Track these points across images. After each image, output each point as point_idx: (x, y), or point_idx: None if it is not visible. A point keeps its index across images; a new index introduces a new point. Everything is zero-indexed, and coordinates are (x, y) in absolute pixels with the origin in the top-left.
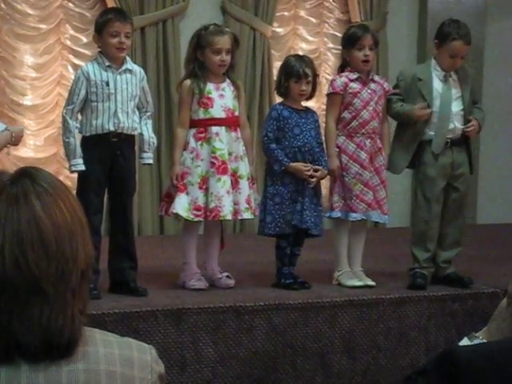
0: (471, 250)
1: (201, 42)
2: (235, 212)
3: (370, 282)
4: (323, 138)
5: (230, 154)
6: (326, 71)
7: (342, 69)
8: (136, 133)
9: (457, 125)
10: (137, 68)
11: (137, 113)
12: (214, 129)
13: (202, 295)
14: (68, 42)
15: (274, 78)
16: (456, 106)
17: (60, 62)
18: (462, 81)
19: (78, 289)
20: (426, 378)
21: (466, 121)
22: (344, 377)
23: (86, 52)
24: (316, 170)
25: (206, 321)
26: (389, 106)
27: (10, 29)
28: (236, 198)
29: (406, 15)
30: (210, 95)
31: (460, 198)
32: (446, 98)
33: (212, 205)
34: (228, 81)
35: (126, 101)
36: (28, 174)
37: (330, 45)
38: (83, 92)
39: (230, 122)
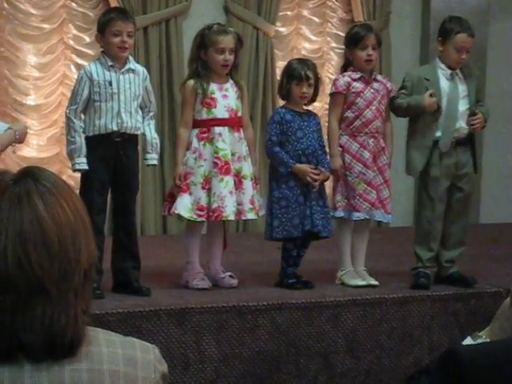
0: (474, 249)
1: (204, 41)
2: (239, 212)
3: (374, 282)
4: (325, 138)
5: (233, 154)
6: (329, 71)
7: (344, 68)
8: (139, 132)
9: (462, 124)
10: (140, 68)
11: (140, 112)
12: (217, 129)
13: (205, 295)
14: (71, 42)
15: (277, 77)
16: (462, 105)
17: (63, 61)
18: (467, 79)
19: (80, 288)
20: (429, 377)
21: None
22: (347, 376)
23: (89, 52)
24: (319, 173)
25: (209, 320)
26: (396, 102)
27: (13, 28)
28: (240, 198)
29: (409, 15)
30: (213, 95)
31: (464, 198)
32: (452, 97)
33: (214, 205)
34: (231, 81)
35: (129, 100)
36: (31, 174)
37: (333, 44)
38: (86, 92)
39: (233, 123)
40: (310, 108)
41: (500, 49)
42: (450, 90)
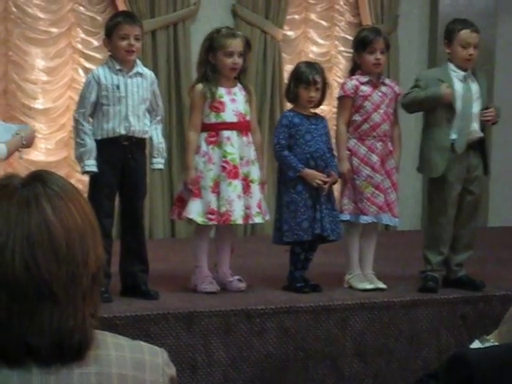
0: (483, 252)
1: (213, 44)
2: (246, 216)
3: (381, 285)
4: (333, 141)
5: (241, 158)
6: (337, 74)
7: (352, 72)
8: (147, 136)
9: (476, 126)
10: (147, 71)
11: (147, 116)
12: (226, 133)
13: (214, 298)
14: (79, 46)
15: (285, 81)
16: (475, 107)
17: (71, 65)
18: (479, 81)
19: (88, 292)
20: (438, 381)
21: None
22: (355, 380)
23: (97, 56)
24: (328, 176)
25: (218, 324)
26: (410, 95)
27: (21, 32)
28: (247, 202)
29: (417, 18)
30: (221, 99)
31: (474, 201)
32: (467, 98)
33: (223, 209)
34: (239, 85)
35: (137, 104)
36: (39, 178)
37: (341, 48)
38: (94, 96)
39: (242, 127)
40: (317, 111)
41: (508, 51)
42: (463, 91)
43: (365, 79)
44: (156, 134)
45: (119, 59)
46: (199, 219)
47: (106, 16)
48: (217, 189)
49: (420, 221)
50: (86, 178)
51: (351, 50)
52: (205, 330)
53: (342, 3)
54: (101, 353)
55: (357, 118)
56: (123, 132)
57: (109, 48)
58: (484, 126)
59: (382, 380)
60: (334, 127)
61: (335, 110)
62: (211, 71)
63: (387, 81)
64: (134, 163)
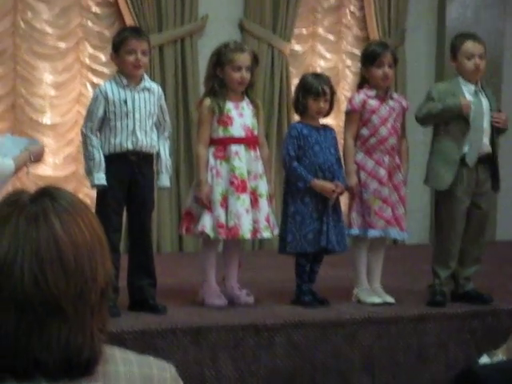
0: (490, 266)
1: (221, 58)
2: (254, 231)
3: (390, 299)
4: (341, 153)
5: (249, 172)
6: (345, 88)
7: (360, 86)
8: (154, 151)
9: (486, 140)
10: (155, 86)
11: (155, 131)
12: (234, 147)
13: (221, 313)
14: (87, 61)
15: (293, 95)
16: (486, 121)
17: (79, 80)
18: (489, 97)
19: (97, 307)
20: None
21: (492, 141)
22: None
23: (105, 70)
24: (336, 186)
25: (226, 338)
26: (425, 108)
27: (30, 47)
28: (255, 216)
29: (424, 32)
30: (229, 114)
31: (482, 216)
32: (477, 111)
33: (231, 223)
34: (247, 99)
35: (144, 119)
36: (48, 193)
37: (348, 62)
38: (101, 111)
39: (250, 141)
40: (324, 123)
41: None
42: (474, 105)
43: (372, 93)
44: (164, 151)
45: (126, 74)
46: (212, 234)
47: (113, 31)
48: (225, 203)
49: (428, 234)
50: (94, 193)
51: (358, 64)
52: (213, 344)
53: (349, 17)
54: (109, 368)
55: (364, 131)
56: (130, 147)
57: (116, 63)
58: (494, 141)
59: None
60: (342, 141)
61: (342, 123)
62: (219, 85)
63: (395, 95)
64: (142, 178)
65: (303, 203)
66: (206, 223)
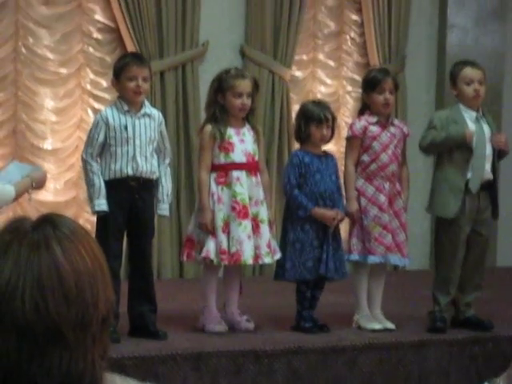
0: (491, 292)
1: (222, 85)
2: (256, 256)
3: (390, 325)
4: (342, 180)
5: (250, 198)
6: (345, 114)
7: (361, 112)
8: (155, 177)
9: (487, 167)
10: (155, 112)
11: (155, 157)
12: (235, 173)
13: (222, 339)
14: (88, 86)
15: (293, 121)
16: (488, 148)
17: (80, 105)
18: (490, 123)
19: (98, 334)
20: None
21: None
22: None
23: (106, 96)
24: (336, 214)
25: (226, 364)
26: (428, 137)
27: (31, 73)
28: (257, 242)
29: (424, 58)
30: (230, 140)
31: (483, 243)
32: (480, 138)
33: (233, 249)
34: (248, 125)
35: (145, 145)
36: (50, 220)
37: (349, 88)
38: (102, 136)
39: (251, 167)
40: (326, 149)
41: None
42: (477, 132)
43: (374, 119)
44: (164, 180)
45: (127, 100)
46: (215, 260)
47: (115, 57)
48: (227, 229)
49: (428, 260)
50: (94, 219)
51: (359, 90)
52: (213, 370)
53: (349, 43)
54: None
55: (365, 158)
56: (131, 173)
57: (117, 89)
58: (495, 167)
59: None
60: (343, 167)
61: (343, 149)
62: (220, 112)
63: (396, 121)
64: (142, 203)
65: (303, 231)
66: (210, 248)
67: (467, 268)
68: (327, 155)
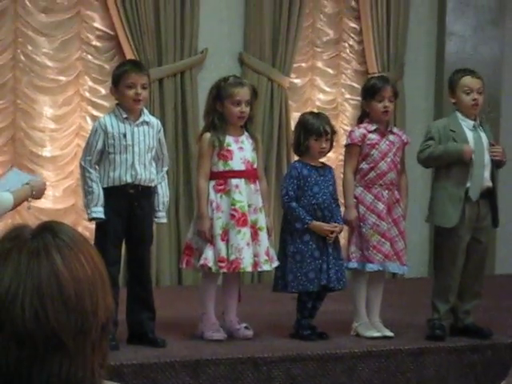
0: (490, 300)
1: (220, 93)
2: (255, 264)
3: (389, 333)
4: (341, 189)
5: (249, 205)
6: (344, 122)
7: (360, 120)
8: (153, 184)
9: (486, 175)
10: (154, 120)
11: (154, 165)
12: (234, 181)
13: (220, 346)
14: (87, 94)
15: (292, 128)
16: (486, 156)
17: (79, 113)
18: (487, 132)
19: (98, 342)
20: None
21: (492, 175)
22: None
23: (105, 104)
24: (334, 227)
25: (225, 372)
26: (426, 151)
27: (30, 81)
28: (256, 249)
29: (423, 66)
30: (229, 148)
31: (482, 250)
32: (478, 146)
33: (232, 257)
34: (246, 133)
35: (144, 153)
36: (49, 228)
37: (348, 95)
38: (100, 144)
39: (250, 175)
40: (324, 159)
41: None
42: (475, 140)
43: (373, 127)
44: (161, 188)
45: (126, 108)
46: (214, 267)
47: (113, 64)
48: (226, 236)
49: (427, 268)
50: (93, 226)
51: (358, 98)
52: (211, 378)
53: (348, 51)
54: None
55: (364, 166)
56: (129, 180)
57: (116, 96)
58: (494, 175)
59: None
60: (341, 175)
61: (342, 157)
62: (219, 120)
63: (395, 129)
64: (140, 211)
65: (302, 242)
66: (209, 257)
67: (466, 276)
68: (325, 167)
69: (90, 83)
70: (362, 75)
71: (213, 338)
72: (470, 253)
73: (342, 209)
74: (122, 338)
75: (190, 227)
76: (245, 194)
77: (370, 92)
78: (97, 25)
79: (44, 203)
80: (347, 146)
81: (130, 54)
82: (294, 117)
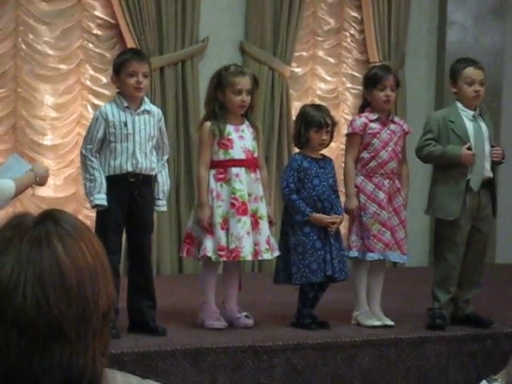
0: (490, 289)
1: (221, 82)
2: (255, 253)
3: (389, 322)
4: (342, 178)
5: (249, 194)
6: (345, 111)
7: (362, 109)
8: (154, 173)
9: (487, 165)
10: (155, 109)
11: (154, 153)
12: (234, 170)
13: (221, 335)
14: (88, 83)
15: (293, 117)
16: (486, 146)
17: (80, 102)
18: (487, 123)
19: (99, 331)
20: None
21: (492, 165)
22: None
23: (106, 92)
24: (335, 219)
25: (225, 360)
26: (425, 150)
27: (31, 69)
28: (256, 238)
29: (424, 56)
30: (229, 137)
31: (483, 239)
32: (478, 137)
33: (232, 245)
34: (247, 122)
35: (144, 141)
36: (51, 217)
37: (349, 85)
38: (101, 132)
39: (250, 163)
40: (325, 149)
41: None
42: (475, 130)
43: (374, 117)
44: (162, 176)
45: (127, 96)
46: (213, 256)
47: (114, 53)
48: (226, 225)
49: (427, 257)
50: (94, 214)
51: (359, 87)
52: (212, 366)
53: (349, 40)
54: None
55: (365, 155)
56: (130, 169)
57: (117, 85)
58: (493, 166)
59: None
60: (342, 164)
61: (343, 146)
62: (219, 108)
63: (396, 119)
64: (141, 200)
65: (303, 234)
66: (208, 246)
67: (466, 265)
68: (325, 159)
69: (91, 72)
70: (363, 64)
71: (213, 326)
72: (470, 242)
73: (343, 198)
74: (122, 326)
75: (190, 216)
76: (245, 182)
77: (371, 81)
78: (98, 13)
79: (45, 192)
80: (348, 135)
81: (131, 43)
82: (295, 106)
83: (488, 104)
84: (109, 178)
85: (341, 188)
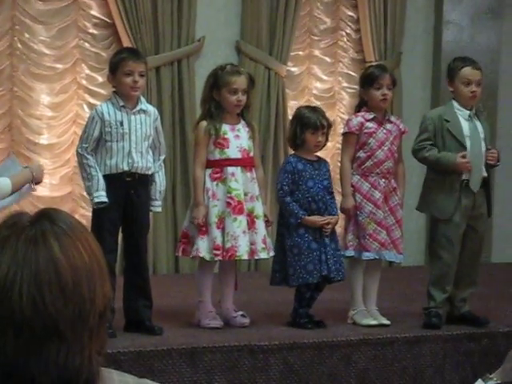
0: (486, 288)
1: (217, 81)
2: (252, 252)
3: (385, 321)
4: (337, 177)
5: (245, 194)
6: (341, 110)
7: (358, 108)
8: (150, 172)
9: (483, 165)
10: (151, 108)
11: (150, 153)
12: (230, 169)
13: (217, 334)
14: (84, 82)
15: (289, 117)
16: (482, 146)
17: (76, 101)
18: (482, 122)
19: (95, 330)
20: None
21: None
22: None
23: (102, 91)
24: (329, 220)
25: (221, 360)
26: (421, 154)
27: (27, 68)
28: (252, 237)
29: (420, 55)
30: (225, 136)
31: (478, 239)
32: (475, 136)
33: (228, 245)
34: (243, 122)
35: (140, 141)
36: (47, 216)
37: (345, 84)
38: (97, 132)
39: (246, 163)
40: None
41: (511, 87)
42: (471, 130)
43: (370, 116)
44: (159, 177)
45: (123, 95)
46: (207, 256)
47: (110, 52)
48: (221, 225)
49: (423, 256)
50: (90, 214)
51: (355, 86)
52: (208, 365)
53: (345, 40)
54: None
55: (361, 154)
56: (126, 168)
57: (113, 84)
58: (487, 166)
59: None
60: (338, 163)
61: (339, 145)
62: (215, 108)
63: (392, 118)
64: (137, 199)
65: (298, 235)
66: (201, 247)
67: (462, 264)
68: (320, 161)
69: (87, 71)
70: (359, 64)
71: (209, 325)
72: (466, 241)
73: (339, 198)
74: (118, 325)
75: (186, 215)
76: (241, 182)
77: (368, 80)
78: (94, 12)
79: (41, 191)
80: (344, 134)
81: (127, 42)
82: (291, 105)
83: (484, 103)
84: (105, 178)
85: (337, 187)
